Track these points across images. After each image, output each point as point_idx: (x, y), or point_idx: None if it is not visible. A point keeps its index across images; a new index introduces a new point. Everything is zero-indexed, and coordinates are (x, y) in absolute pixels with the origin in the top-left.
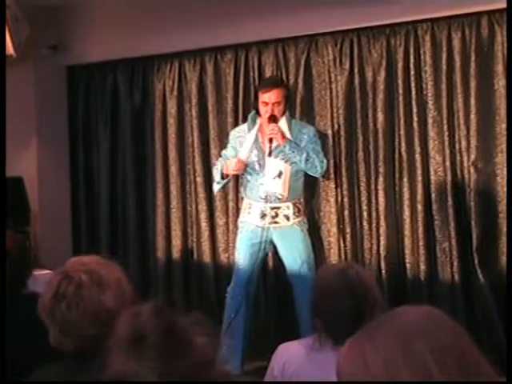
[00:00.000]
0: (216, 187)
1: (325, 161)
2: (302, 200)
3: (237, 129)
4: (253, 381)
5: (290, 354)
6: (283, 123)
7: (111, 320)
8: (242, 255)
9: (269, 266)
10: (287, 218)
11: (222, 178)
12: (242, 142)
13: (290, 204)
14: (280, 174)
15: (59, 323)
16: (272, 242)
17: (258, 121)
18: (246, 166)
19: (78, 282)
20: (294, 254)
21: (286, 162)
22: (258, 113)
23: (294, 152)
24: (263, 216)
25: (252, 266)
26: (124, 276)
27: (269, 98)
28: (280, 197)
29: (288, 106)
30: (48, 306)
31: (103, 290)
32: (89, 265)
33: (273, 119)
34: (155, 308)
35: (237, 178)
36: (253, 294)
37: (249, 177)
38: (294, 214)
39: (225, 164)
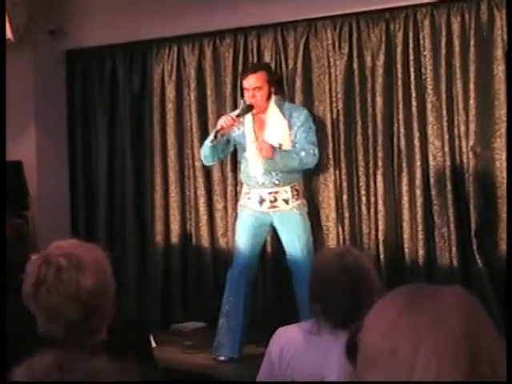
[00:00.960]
0: (203, 149)
1: (317, 153)
2: (300, 183)
3: (229, 114)
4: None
5: (288, 338)
6: (272, 108)
7: (94, 300)
8: (241, 239)
9: (268, 250)
10: (286, 201)
11: (215, 137)
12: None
13: (287, 188)
14: (280, 147)
15: (43, 309)
16: (272, 227)
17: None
18: (234, 126)
19: (56, 265)
20: (293, 239)
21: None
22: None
23: (285, 160)
24: (262, 201)
25: (252, 250)
26: (103, 256)
27: (248, 84)
28: (277, 182)
29: (277, 89)
30: (30, 293)
31: (82, 271)
32: (67, 248)
33: (250, 108)
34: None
35: (235, 162)
36: (253, 278)
37: (245, 162)
38: (292, 197)
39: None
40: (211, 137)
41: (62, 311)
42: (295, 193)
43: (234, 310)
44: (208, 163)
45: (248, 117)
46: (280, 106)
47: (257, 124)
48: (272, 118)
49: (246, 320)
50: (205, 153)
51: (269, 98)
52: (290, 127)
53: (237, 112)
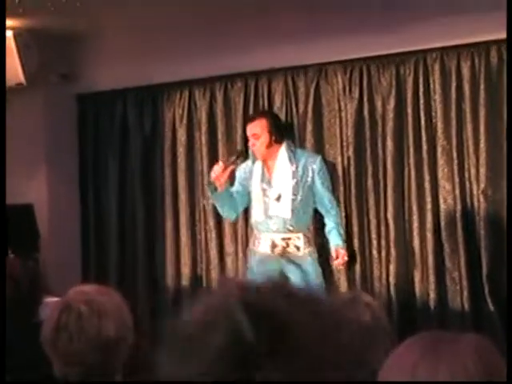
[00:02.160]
0: (217, 207)
1: (335, 202)
2: (311, 230)
3: (243, 165)
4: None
5: None
6: (282, 154)
7: (113, 346)
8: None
9: None
10: (298, 248)
11: (216, 189)
12: (246, 177)
13: (300, 234)
14: (279, 198)
15: (62, 355)
16: (282, 272)
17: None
18: (229, 178)
19: (78, 312)
20: (305, 284)
21: None
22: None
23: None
24: (274, 246)
25: None
26: (124, 303)
27: (248, 131)
28: (291, 228)
29: (282, 135)
30: (50, 338)
31: (103, 319)
32: (88, 294)
33: (241, 154)
34: None
35: (247, 207)
36: None
37: (258, 209)
38: (304, 244)
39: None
40: (209, 192)
41: (82, 357)
42: (306, 240)
43: None
44: (231, 217)
45: (258, 163)
46: (291, 153)
47: (267, 171)
48: (281, 165)
49: None
50: (221, 210)
51: (270, 145)
52: (304, 172)
53: (227, 160)
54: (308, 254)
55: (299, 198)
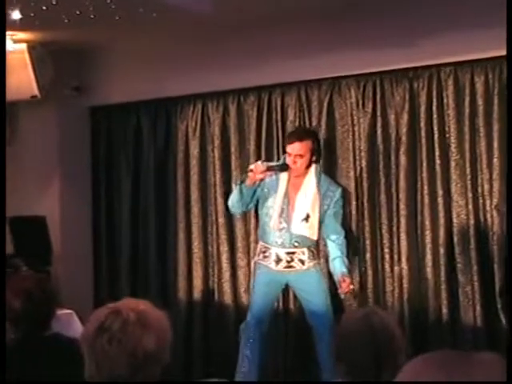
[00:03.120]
0: (231, 197)
1: (342, 232)
2: (317, 245)
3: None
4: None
5: None
6: (311, 176)
7: (147, 361)
8: (256, 295)
9: (290, 308)
10: (302, 262)
11: (243, 181)
12: (271, 186)
13: (305, 249)
14: (307, 218)
15: (97, 356)
16: (287, 285)
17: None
18: (264, 176)
19: (125, 318)
20: (312, 296)
21: None
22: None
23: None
24: (278, 261)
25: (265, 305)
26: (167, 322)
27: (292, 150)
28: (296, 244)
29: (318, 158)
30: (90, 337)
31: (146, 331)
32: (138, 305)
33: (285, 168)
34: None
35: (256, 220)
36: (267, 331)
37: (268, 220)
38: (308, 258)
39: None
40: (239, 180)
41: (114, 364)
42: (311, 254)
43: (250, 366)
44: (236, 211)
45: (284, 177)
46: (318, 177)
47: (292, 186)
48: (309, 186)
49: (262, 375)
50: (233, 200)
51: (309, 165)
52: (323, 199)
53: (271, 164)
54: (313, 267)
55: None
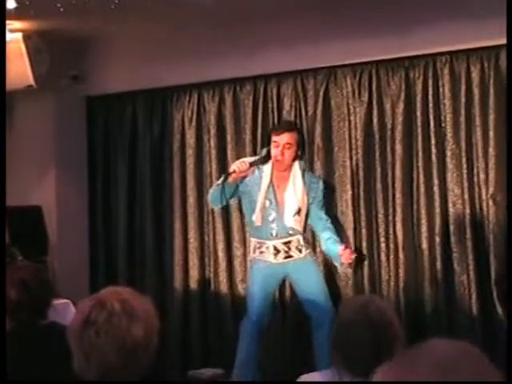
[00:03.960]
0: (211, 192)
1: (328, 219)
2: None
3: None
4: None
5: None
6: (297, 171)
7: (137, 351)
8: (255, 289)
9: (286, 298)
10: (299, 250)
11: (225, 179)
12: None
13: (299, 237)
14: (299, 211)
15: (86, 349)
16: (285, 276)
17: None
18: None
19: (110, 309)
20: (311, 285)
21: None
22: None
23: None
24: (277, 253)
25: (265, 299)
26: (154, 310)
27: (281, 139)
28: (291, 232)
29: (302, 153)
30: (77, 331)
31: (134, 320)
32: (122, 294)
33: (266, 159)
34: None
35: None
36: (266, 325)
37: (255, 216)
38: (304, 245)
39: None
40: (221, 179)
41: (104, 355)
42: (305, 242)
43: (249, 361)
44: (215, 206)
45: (267, 171)
46: (303, 171)
47: (277, 180)
48: (296, 181)
49: (261, 367)
50: (212, 196)
51: (296, 158)
52: (309, 191)
53: (252, 159)
54: (309, 255)
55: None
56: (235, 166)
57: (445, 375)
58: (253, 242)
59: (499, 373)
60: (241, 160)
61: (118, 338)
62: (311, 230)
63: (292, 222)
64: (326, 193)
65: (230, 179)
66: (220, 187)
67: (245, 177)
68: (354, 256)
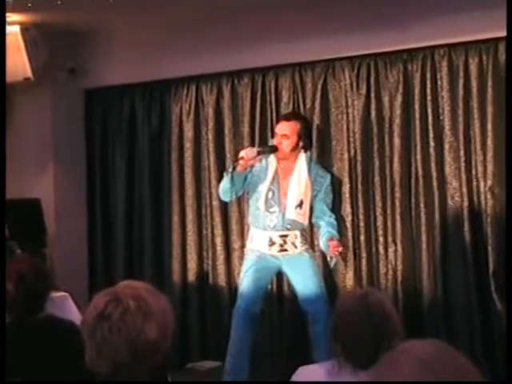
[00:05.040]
0: (222, 184)
1: (332, 215)
2: (307, 228)
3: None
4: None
5: (309, 377)
6: (303, 163)
7: (148, 352)
8: (247, 279)
9: (284, 291)
10: (295, 245)
11: (234, 168)
12: (261, 172)
13: (297, 232)
14: (301, 204)
15: (97, 343)
16: (279, 270)
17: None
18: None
19: (125, 306)
20: (306, 281)
21: None
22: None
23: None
24: (272, 244)
25: (256, 290)
26: (170, 308)
27: (278, 129)
28: (289, 226)
29: (307, 144)
30: (90, 325)
31: (148, 320)
32: (138, 290)
33: (274, 150)
34: None
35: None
36: (257, 315)
37: (258, 205)
38: (301, 242)
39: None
40: (230, 168)
41: (115, 352)
42: (303, 238)
43: (241, 349)
44: (226, 198)
45: (273, 161)
46: (309, 163)
47: (283, 172)
48: (301, 173)
49: (251, 357)
50: (223, 187)
51: (295, 148)
52: (314, 184)
53: (260, 148)
54: (305, 251)
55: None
56: (243, 153)
57: (426, 373)
58: (251, 231)
59: (476, 369)
60: (249, 148)
61: (130, 337)
62: (312, 227)
63: (293, 214)
64: (333, 189)
65: (239, 167)
66: (229, 177)
67: (252, 166)
68: (340, 249)
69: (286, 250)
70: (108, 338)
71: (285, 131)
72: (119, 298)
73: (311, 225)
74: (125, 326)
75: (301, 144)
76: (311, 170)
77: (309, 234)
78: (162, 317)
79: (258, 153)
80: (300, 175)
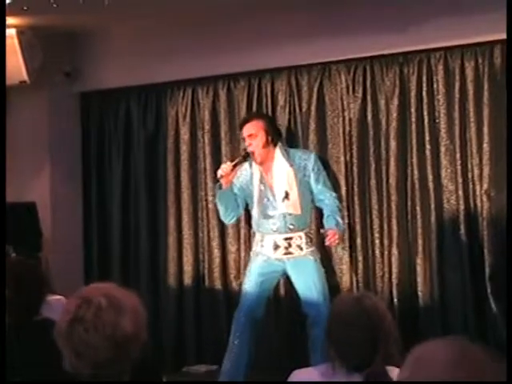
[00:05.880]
0: (218, 207)
1: (331, 192)
2: (312, 229)
3: (242, 170)
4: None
5: (304, 380)
6: (278, 156)
7: (127, 344)
8: (251, 283)
9: (281, 294)
10: (300, 248)
11: (220, 187)
12: (247, 180)
13: (302, 234)
14: (287, 195)
15: (76, 347)
16: (285, 273)
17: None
18: (232, 177)
19: (97, 305)
20: (309, 284)
21: None
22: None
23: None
24: (276, 247)
25: (259, 294)
26: (139, 302)
27: (243, 132)
28: (291, 227)
29: (277, 138)
30: (65, 330)
31: (121, 314)
32: (106, 289)
33: (246, 156)
34: None
35: (247, 205)
36: (259, 320)
37: (257, 210)
38: (306, 243)
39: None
40: (216, 189)
41: (95, 350)
42: (309, 239)
43: (239, 352)
44: (230, 221)
45: (255, 167)
46: (286, 154)
47: (265, 173)
48: (279, 165)
49: (250, 362)
50: (220, 212)
51: (267, 145)
52: (298, 170)
53: (235, 161)
54: (311, 254)
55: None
56: (220, 171)
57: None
58: (256, 236)
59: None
60: (223, 164)
61: (107, 333)
62: (315, 227)
63: (283, 207)
64: (322, 165)
65: (223, 185)
66: (219, 199)
67: (234, 177)
68: (337, 240)
69: (291, 253)
70: (86, 339)
71: (250, 131)
72: (89, 299)
73: (316, 226)
74: (100, 324)
75: (270, 139)
76: (291, 158)
77: (314, 236)
78: (134, 310)
79: (235, 165)
80: (278, 167)
